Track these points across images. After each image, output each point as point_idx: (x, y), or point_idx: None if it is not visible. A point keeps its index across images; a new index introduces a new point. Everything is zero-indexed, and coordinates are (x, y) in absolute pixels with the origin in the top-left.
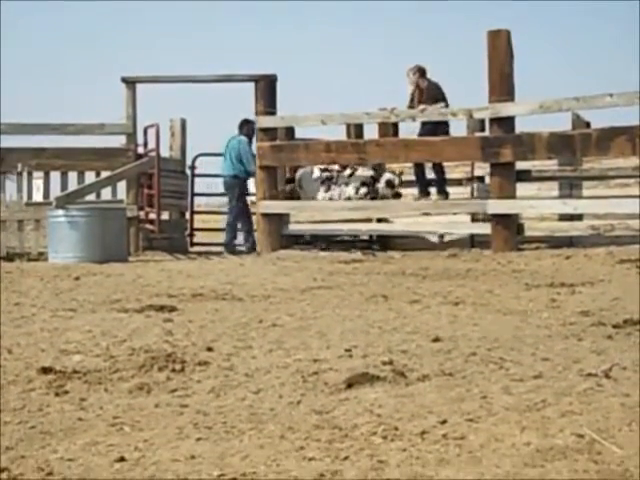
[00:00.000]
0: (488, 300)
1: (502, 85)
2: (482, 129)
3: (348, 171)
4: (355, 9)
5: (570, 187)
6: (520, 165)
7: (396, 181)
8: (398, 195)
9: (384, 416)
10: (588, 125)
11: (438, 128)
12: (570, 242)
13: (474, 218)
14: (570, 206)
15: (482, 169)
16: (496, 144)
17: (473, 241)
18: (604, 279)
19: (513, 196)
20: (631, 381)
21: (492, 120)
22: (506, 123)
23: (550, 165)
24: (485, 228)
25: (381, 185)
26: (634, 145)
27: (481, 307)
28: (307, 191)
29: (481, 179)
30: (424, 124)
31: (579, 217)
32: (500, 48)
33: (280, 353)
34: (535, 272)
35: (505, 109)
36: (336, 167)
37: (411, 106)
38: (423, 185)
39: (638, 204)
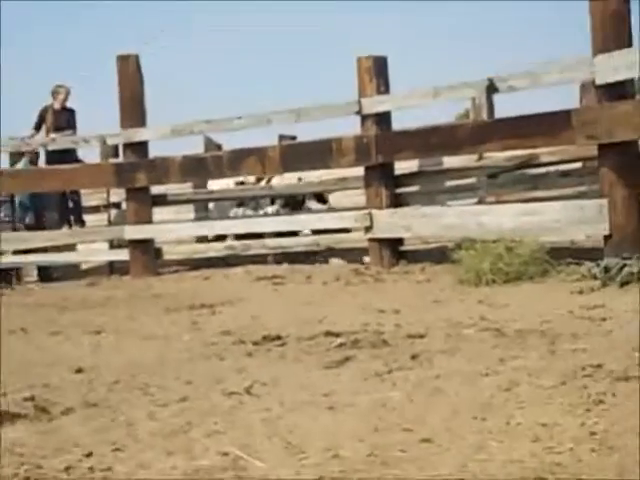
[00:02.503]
0: (130, 327)
1: (134, 110)
2: (116, 155)
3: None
4: None
5: (205, 209)
6: (156, 189)
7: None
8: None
9: (27, 455)
10: (220, 147)
11: (67, 155)
12: (209, 263)
13: (112, 245)
14: (206, 228)
15: (118, 195)
16: (130, 169)
17: (112, 268)
18: (243, 298)
19: (150, 221)
20: (271, 396)
21: (125, 146)
22: (139, 148)
23: (185, 188)
24: (124, 254)
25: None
26: (263, 165)
27: (123, 334)
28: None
29: (117, 205)
30: (51, 152)
31: (223, 237)
32: (130, 73)
33: None
34: (175, 295)
35: (137, 134)
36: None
37: (37, 128)
38: (64, 214)
39: (273, 223)
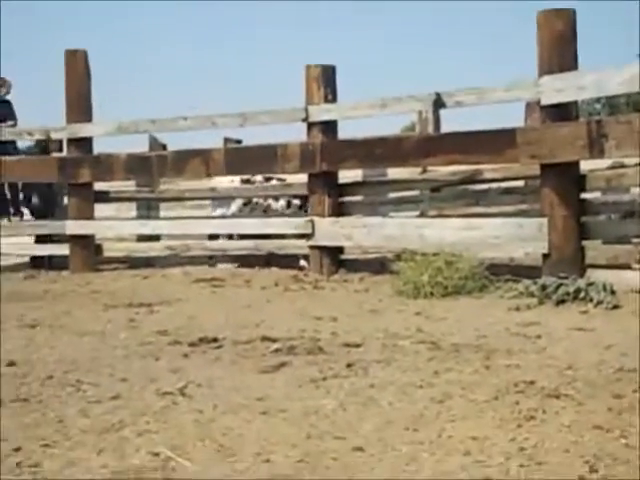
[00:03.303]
0: (66, 322)
1: (80, 105)
2: (60, 149)
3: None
4: None
5: (148, 208)
6: (98, 186)
7: None
8: None
9: None
10: (164, 147)
11: (7, 147)
12: (148, 262)
13: (52, 239)
14: (148, 227)
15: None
16: (74, 164)
17: (51, 262)
18: (181, 298)
19: (91, 217)
20: (205, 397)
21: (70, 140)
22: (84, 144)
23: (128, 186)
24: (64, 249)
25: None
26: (208, 167)
27: (59, 329)
28: None
29: None
30: None
31: (157, 238)
32: (77, 68)
33: None
34: (113, 292)
35: (83, 130)
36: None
37: None
38: (4, 206)
39: (212, 225)
